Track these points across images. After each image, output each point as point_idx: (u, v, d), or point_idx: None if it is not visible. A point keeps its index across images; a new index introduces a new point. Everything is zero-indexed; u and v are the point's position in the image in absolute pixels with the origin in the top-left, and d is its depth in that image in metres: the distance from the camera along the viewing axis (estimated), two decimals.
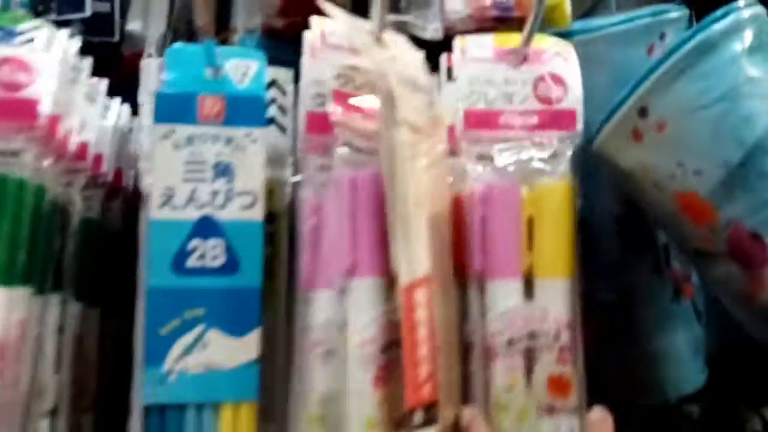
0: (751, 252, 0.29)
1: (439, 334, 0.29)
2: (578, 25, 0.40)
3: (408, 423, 0.28)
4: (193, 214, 0.32)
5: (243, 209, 0.33)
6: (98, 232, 0.38)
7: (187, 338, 0.32)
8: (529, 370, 0.33)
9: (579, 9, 0.56)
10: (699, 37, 0.30)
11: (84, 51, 0.39)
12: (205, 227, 0.33)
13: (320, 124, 0.33)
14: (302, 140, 0.34)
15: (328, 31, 0.34)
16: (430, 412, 0.28)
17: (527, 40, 0.34)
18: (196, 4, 0.31)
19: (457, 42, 0.36)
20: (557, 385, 0.33)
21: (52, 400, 0.34)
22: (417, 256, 0.29)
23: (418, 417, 0.28)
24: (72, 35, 0.36)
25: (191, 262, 0.32)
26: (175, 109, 0.32)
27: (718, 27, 0.30)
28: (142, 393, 0.32)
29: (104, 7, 0.44)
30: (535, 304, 0.33)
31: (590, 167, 0.38)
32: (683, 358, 0.44)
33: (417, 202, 0.29)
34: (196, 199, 0.32)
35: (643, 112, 0.31)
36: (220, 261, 0.33)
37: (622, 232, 0.42)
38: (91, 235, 0.37)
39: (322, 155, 0.33)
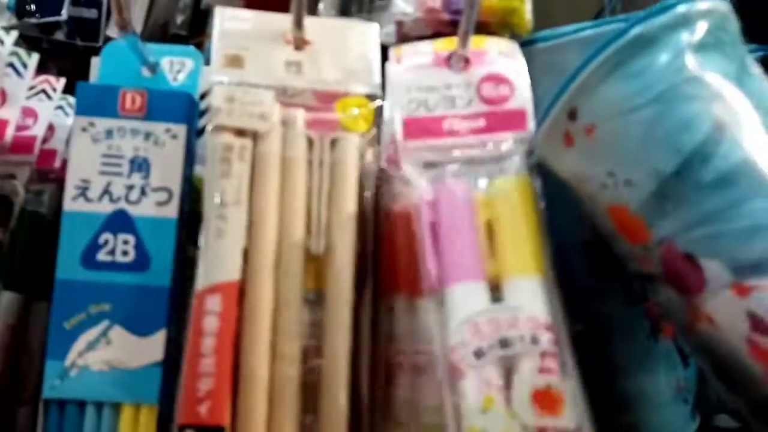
0: (686, 276, 0.25)
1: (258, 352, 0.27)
2: (545, 32, 0.37)
3: None
4: (106, 207, 0.32)
5: (158, 205, 0.32)
6: (46, 226, 0.38)
7: (92, 333, 0.32)
8: (507, 386, 0.28)
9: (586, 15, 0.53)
10: (634, 31, 0.26)
11: (71, 55, 0.41)
12: (118, 221, 0.32)
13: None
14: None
15: None
16: None
17: (463, 42, 0.32)
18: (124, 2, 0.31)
19: (392, 52, 0.34)
20: (544, 399, 0.27)
21: None
22: (221, 260, 0.27)
23: None
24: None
25: (101, 256, 0.32)
26: (97, 101, 0.32)
27: (659, 20, 0.26)
28: (43, 386, 0.31)
29: (91, 14, 0.46)
30: (503, 307, 0.29)
31: (554, 190, 0.35)
32: (665, 401, 0.39)
33: (236, 201, 0.28)
34: (111, 193, 0.32)
35: (572, 114, 0.28)
36: (130, 257, 0.32)
37: (590, 259, 0.38)
38: (37, 228, 0.38)
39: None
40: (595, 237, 0.36)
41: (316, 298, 0.28)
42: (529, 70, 0.35)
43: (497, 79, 0.33)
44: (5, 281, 0.36)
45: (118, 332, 0.32)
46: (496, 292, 0.29)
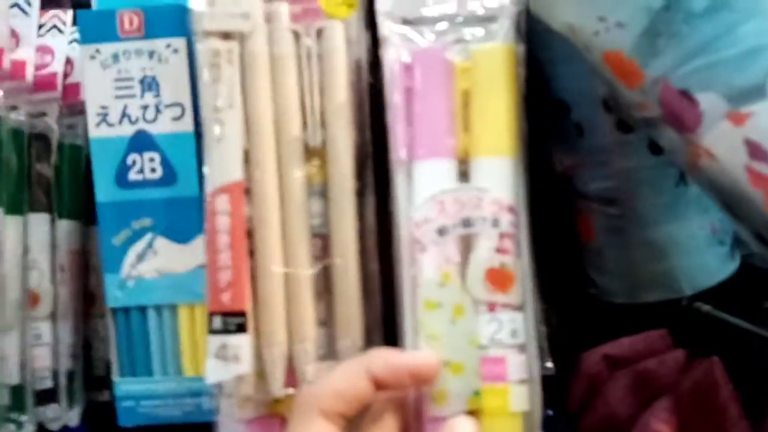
0: (683, 113, 0.25)
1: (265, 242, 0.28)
2: None
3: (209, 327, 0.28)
4: (127, 130, 0.34)
5: (173, 121, 0.34)
6: (85, 155, 0.41)
7: (139, 246, 0.35)
8: (464, 262, 0.29)
9: None
10: None
11: None
12: (140, 142, 0.34)
13: None
14: None
15: None
16: (232, 320, 0.28)
17: None
18: None
19: None
20: (497, 277, 0.29)
21: (49, 307, 0.38)
22: (224, 163, 0.28)
23: (216, 323, 0.28)
24: None
25: (132, 175, 0.34)
26: (98, 28, 0.33)
27: None
28: (106, 298, 0.35)
29: None
30: (470, 186, 0.29)
31: (568, 49, 0.34)
32: (697, 245, 0.39)
33: (230, 104, 0.28)
34: (129, 115, 0.34)
35: None
36: (158, 173, 0.34)
37: (611, 113, 0.37)
38: (77, 158, 0.40)
39: None
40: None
41: (322, 190, 0.30)
42: None
43: None
44: (59, 212, 0.39)
45: (161, 242, 0.34)
46: (464, 168, 0.29)
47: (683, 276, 0.39)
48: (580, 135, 0.39)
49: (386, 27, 0.30)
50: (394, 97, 0.29)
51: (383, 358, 0.25)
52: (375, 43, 0.32)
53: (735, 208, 0.26)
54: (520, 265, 0.29)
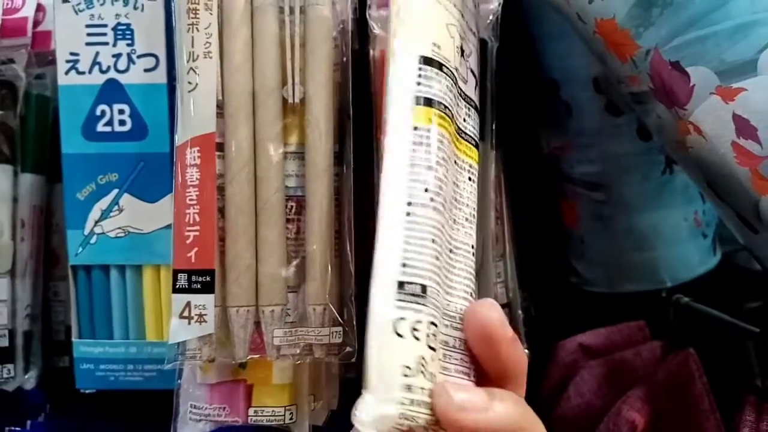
0: (673, 86, 0.24)
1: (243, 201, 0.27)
2: None
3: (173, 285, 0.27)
4: (98, 78, 0.32)
5: (146, 72, 0.32)
6: (52, 107, 0.39)
7: (104, 202, 0.33)
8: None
9: None
10: None
11: None
12: (110, 91, 0.32)
13: None
14: None
15: None
16: (198, 278, 0.27)
17: None
18: None
19: None
20: None
21: (8, 263, 0.36)
22: (196, 114, 0.27)
23: (181, 280, 0.27)
24: None
25: (100, 127, 0.33)
26: None
27: None
28: (68, 254, 0.34)
29: None
30: None
31: (561, 26, 0.33)
32: (680, 236, 0.38)
33: (206, 53, 0.27)
34: (100, 63, 0.32)
35: None
36: (127, 126, 0.32)
37: (601, 94, 0.36)
38: (44, 110, 0.38)
39: None
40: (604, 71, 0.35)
41: (298, 150, 0.29)
42: None
43: None
44: (22, 164, 0.37)
45: (128, 199, 0.33)
46: None
47: (665, 267, 0.39)
48: (568, 115, 0.38)
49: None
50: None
51: None
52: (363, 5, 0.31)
53: (720, 188, 0.25)
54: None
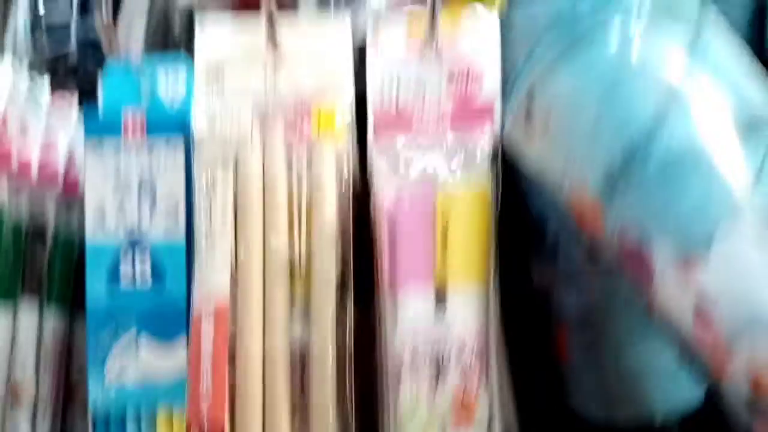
0: (635, 268, 0.26)
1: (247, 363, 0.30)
2: None
3: None
4: (121, 236, 0.35)
5: (166, 231, 0.35)
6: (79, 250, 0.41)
7: (124, 353, 0.35)
8: (436, 383, 0.32)
9: None
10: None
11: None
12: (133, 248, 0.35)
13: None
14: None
15: None
16: None
17: (430, 33, 0.33)
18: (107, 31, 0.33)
19: (369, 41, 0.35)
20: (461, 410, 0.32)
21: (31, 400, 0.38)
22: (212, 285, 0.30)
23: None
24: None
25: (124, 283, 0.35)
26: (102, 125, 0.35)
27: None
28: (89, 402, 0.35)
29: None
30: (444, 319, 0.32)
31: None
32: (671, 368, 0.40)
33: (222, 222, 0.31)
34: (125, 222, 0.35)
35: (530, 95, 0.28)
36: (148, 285, 0.35)
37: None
38: (70, 255, 0.41)
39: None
40: None
41: (303, 307, 0.31)
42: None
43: (467, 73, 0.34)
44: (48, 298, 0.39)
45: (145, 345, 0.35)
46: (440, 300, 0.32)
47: (656, 399, 0.40)
48: (555, 249, 0.40)
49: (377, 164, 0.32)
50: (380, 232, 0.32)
51: None
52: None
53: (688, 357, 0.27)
54: (487, 386, 0.32)
